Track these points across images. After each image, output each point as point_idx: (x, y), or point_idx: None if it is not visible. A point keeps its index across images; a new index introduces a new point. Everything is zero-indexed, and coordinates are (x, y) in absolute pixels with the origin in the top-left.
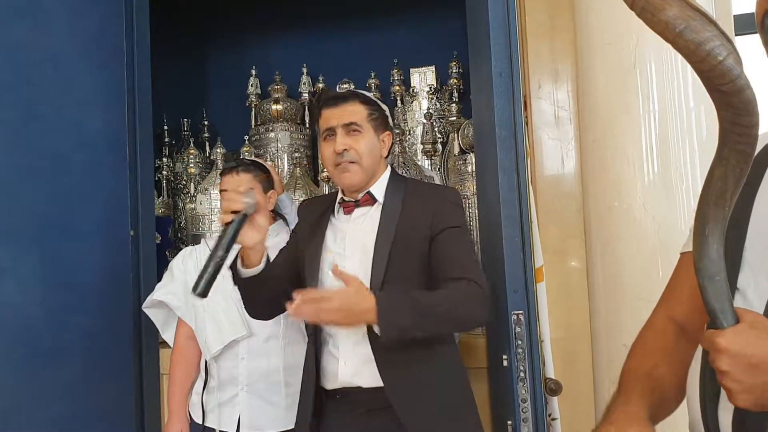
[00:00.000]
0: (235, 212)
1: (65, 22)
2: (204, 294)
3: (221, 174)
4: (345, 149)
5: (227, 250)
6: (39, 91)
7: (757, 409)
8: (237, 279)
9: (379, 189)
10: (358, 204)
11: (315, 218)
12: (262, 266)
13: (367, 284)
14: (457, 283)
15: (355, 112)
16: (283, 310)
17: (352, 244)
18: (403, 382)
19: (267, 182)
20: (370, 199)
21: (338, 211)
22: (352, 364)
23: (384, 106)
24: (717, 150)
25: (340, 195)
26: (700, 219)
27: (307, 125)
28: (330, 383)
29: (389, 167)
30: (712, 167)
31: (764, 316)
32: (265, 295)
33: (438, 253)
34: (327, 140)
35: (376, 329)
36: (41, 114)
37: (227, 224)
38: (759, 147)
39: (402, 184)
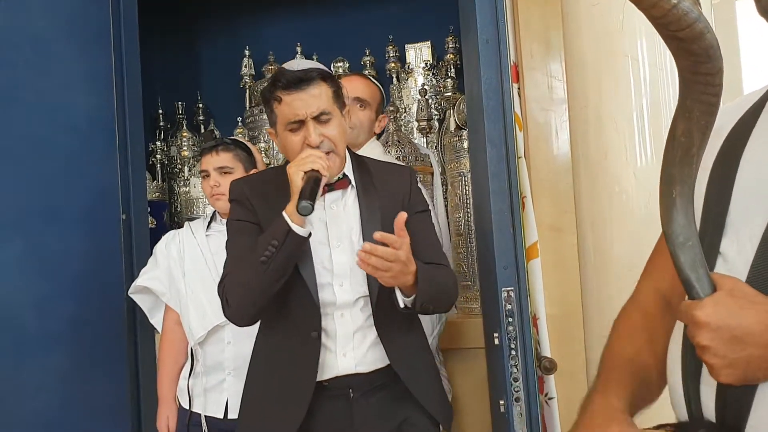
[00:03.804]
0: (314, 171)
1: (45, 3)
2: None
3: (201, 154)
4: (321, 140)
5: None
6: (18, 74)
7: (740, 383)
8: (291, 245)
9: (349, 170)
10: (332, 188)
11: (274, 204)
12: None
13: (362, 276)
14: (438, 267)
15: (322, 96)
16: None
17: (336, 234)
18: (405, 357)
19: (248, 161)
20: (346, 182)
21: None
22: (353, 354)
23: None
24: (678, 102)
25: None
26: (665, 181)
27: None
28: (320, 375)
29: None
30: (674, 122)
31: (748, 281)
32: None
33: (413, 236)
34: (294, 131)
35: (405, 297)
36: (20, 97)
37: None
38: (746, 106)
39: (364, 164)
